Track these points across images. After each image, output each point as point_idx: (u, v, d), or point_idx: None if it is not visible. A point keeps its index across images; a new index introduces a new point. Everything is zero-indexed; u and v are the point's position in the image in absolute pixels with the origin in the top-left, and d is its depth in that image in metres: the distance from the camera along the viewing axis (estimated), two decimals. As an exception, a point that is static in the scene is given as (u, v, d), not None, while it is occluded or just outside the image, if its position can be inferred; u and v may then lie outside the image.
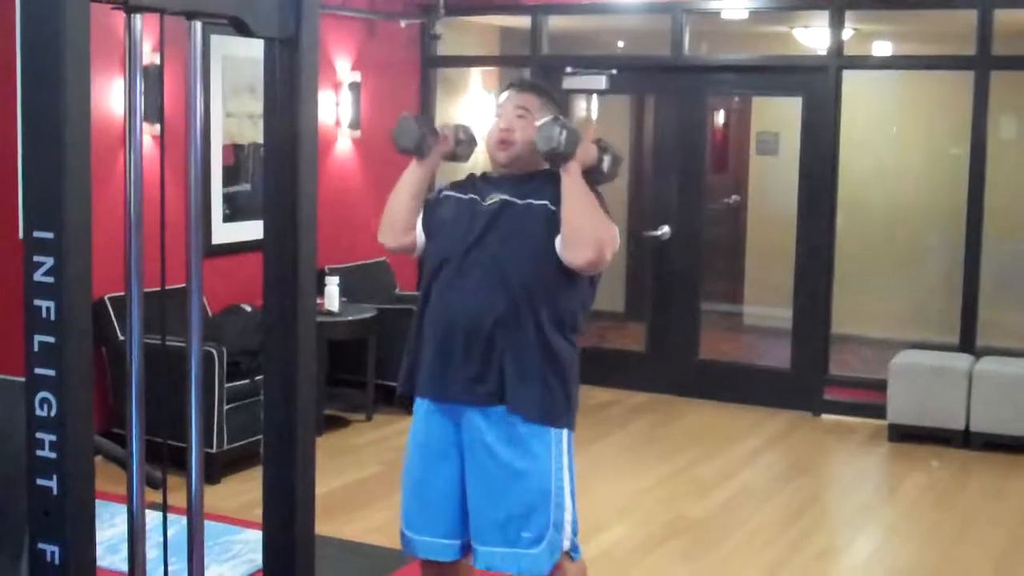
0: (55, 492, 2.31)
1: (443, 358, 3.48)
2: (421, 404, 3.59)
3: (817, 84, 7.60)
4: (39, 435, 2.32)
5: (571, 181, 3.40)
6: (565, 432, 3.51)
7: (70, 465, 2.31)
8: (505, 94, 3.62)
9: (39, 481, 2.33)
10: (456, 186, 3.67)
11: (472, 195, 3.56)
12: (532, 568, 3.46)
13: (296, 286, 2.61)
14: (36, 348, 2.30)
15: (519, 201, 3.48)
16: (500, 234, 3.45)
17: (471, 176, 3.70)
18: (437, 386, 3.51)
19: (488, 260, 3.44)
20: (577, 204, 3.38)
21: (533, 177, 3.54)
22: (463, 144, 3.70)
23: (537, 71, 8.35)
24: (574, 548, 3.59)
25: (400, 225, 3.65)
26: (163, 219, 2.53)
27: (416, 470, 3.60)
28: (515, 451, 3.44)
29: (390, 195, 3.70)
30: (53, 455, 2.31)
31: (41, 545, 2.34)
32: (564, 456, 3.50)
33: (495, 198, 3.50)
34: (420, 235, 3.65)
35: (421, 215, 3.65)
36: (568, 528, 3.51)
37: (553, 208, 3.43)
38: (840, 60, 7.57)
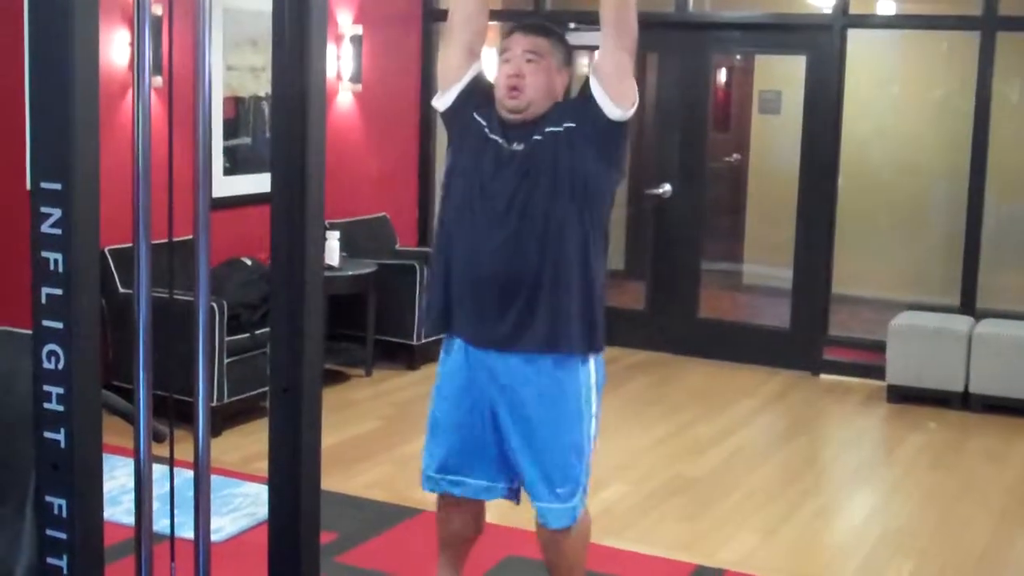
0: (63, 445, 2.30)
1: (478, 309, 3.44)
2: (460, 345, 3.54)
3: (821, 43, 7.56)
4: (46, 388, 2.30)
5: None
6: (592, 362, 3.50)
7: (78, 418, 2.29)
8: (511, 37, 3.49)
9: (46, 434, 2.31)
10: (481, 111, 3.53)
11: (495, 137, 3.46)
12: (564, 520, 3.49)
13: (304, 240, 2.59)
14: (43, 300, 2.28)
15: (540, 137, 3.41)
16: (528, 179, 3.39)
17: (493, 105, 3.53)
18: (474, 332, 3.47)
19: (517, 212, 3.38)
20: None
21: (547, 114, 3.45)
22: None
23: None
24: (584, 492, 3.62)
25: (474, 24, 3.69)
26: (171, 172, 2.50)
27: (454, 413, 3.57)
28: (551, 396, 3.43)
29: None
30: (60, 408, 2.29)
31: (49, 498, 2.33)
32: (592, 391, 3.49)
33: (517, 145, 3.42)
34: (454, 94, 3.56)
35: (461, 93, 3.57)
36: (584, 478, 3.53)
37: (574, 126, 3.39)
38: (845, 19, 7.53)
